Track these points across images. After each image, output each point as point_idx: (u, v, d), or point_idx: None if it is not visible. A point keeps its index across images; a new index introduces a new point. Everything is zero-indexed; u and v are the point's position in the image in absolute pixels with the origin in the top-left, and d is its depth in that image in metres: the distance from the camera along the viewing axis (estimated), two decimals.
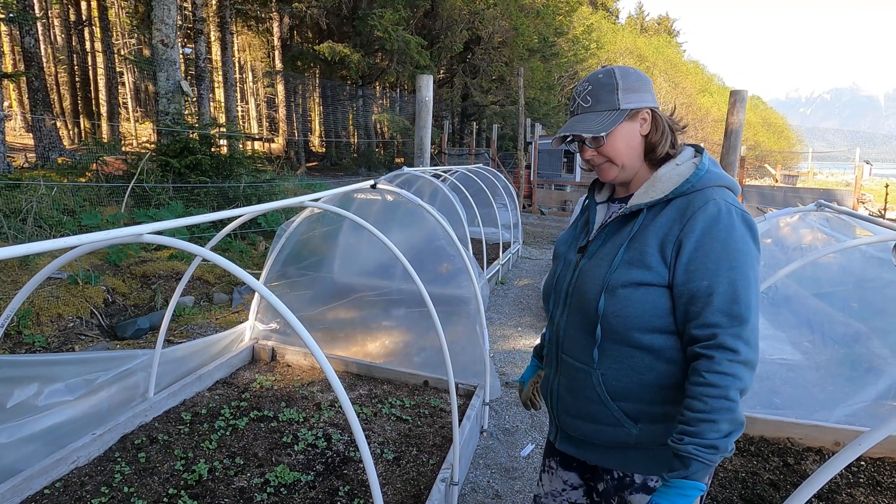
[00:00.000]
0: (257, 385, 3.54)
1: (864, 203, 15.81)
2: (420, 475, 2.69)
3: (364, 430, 3.06)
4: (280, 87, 25.35)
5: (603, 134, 1.34)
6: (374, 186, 3.47)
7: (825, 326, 4.37)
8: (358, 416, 3.20)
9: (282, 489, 2.50)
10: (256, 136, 28.25)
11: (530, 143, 18.15)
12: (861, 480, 2.80)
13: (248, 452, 2.78)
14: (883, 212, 7.97)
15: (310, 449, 2.84)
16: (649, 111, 1.37)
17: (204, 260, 1.86)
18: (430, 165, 8.52)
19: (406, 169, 5.75)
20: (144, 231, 1.73)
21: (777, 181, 24.43)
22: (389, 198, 3.68)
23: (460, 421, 3.06)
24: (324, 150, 28.24)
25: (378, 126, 28.30)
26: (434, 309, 2.90)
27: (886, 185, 9.59)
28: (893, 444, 3.02)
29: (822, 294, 4.26)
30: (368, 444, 2.93)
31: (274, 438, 2.92)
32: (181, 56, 11.28)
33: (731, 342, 1.19)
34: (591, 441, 1.42)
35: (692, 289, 1.24)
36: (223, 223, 5.00)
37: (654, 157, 1.39)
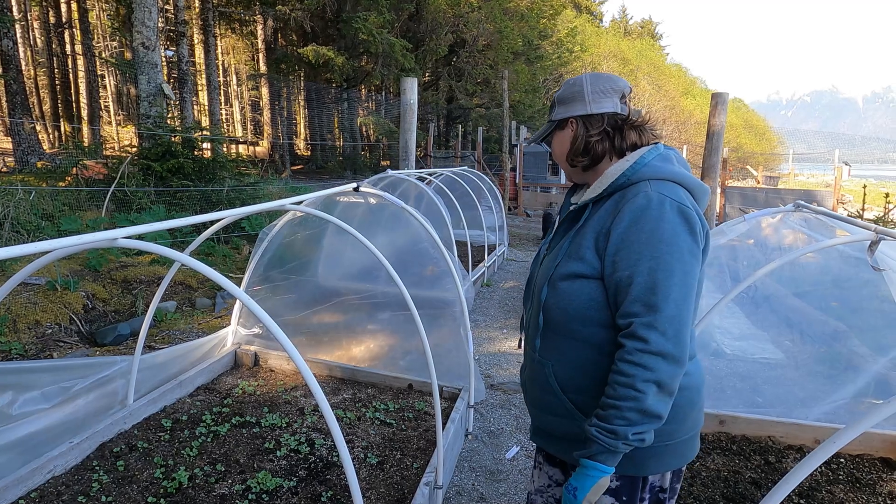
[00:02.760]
0: (240, 390, 3.51)
1: (843, 204, 16.06)
2: (404, 479, 2.67)
3: (348, 434, 3.04)
4: (264, 90, 25.19)
5: (542, 143, 1.56)
6: (357, 189, 3.45)
7: (804, 325, 4.42)
8: (341, 421, 3.18)
9: (263, 496, 2.47)
10: (241, 140, 28.05)
11: (515, 145, 18.20)
12: (840, 477, 2.84)
13: (230, 459, 2.75)
14: (861, 212, 8.12)
15: (292, 455, 2.82)
16: (575, 119, 1.45)
17: (184, 265, 1.84)
18: (416, 168, 8.51)
19: (390, 172, 5.73)
20: (119, 235, 1.70)
21: (759, 182, 24.74)
22: (373, 201, 3.67)
23: (444, 424, 3.05)
24: (309, 153, 28.10)
25: (363, 129, 28.24)
26: (417, 312, 2.89)
27: (864, 186, 9.76)
28: (872, 441, 3.06)
29: (801, 293, 4.31)
30: (352, 448, 2.91)
31: (256, 444, 2.89)
32: (163, 59, 11.17)
33: (642, 331, 1.21)
34: (551, 433, 1.47)
35: (617, 279, 1.27)
36: (205, 227, 4.94)
37: (585, 159, 1.46)
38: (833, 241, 2.28)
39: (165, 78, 18.53)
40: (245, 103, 34.15)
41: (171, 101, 10.49)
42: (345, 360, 4.08)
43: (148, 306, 5.23)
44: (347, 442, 2.95)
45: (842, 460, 2.99)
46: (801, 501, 2.61)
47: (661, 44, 74.82)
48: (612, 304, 1.30)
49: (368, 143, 28.33)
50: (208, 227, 2.79)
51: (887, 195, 7.99)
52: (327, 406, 1.75)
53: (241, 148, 26.69)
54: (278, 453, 2.81)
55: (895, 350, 3.25)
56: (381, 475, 2.70)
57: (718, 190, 14.13)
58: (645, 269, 1.23)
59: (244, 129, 33.12)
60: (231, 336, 4.00)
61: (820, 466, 2.93)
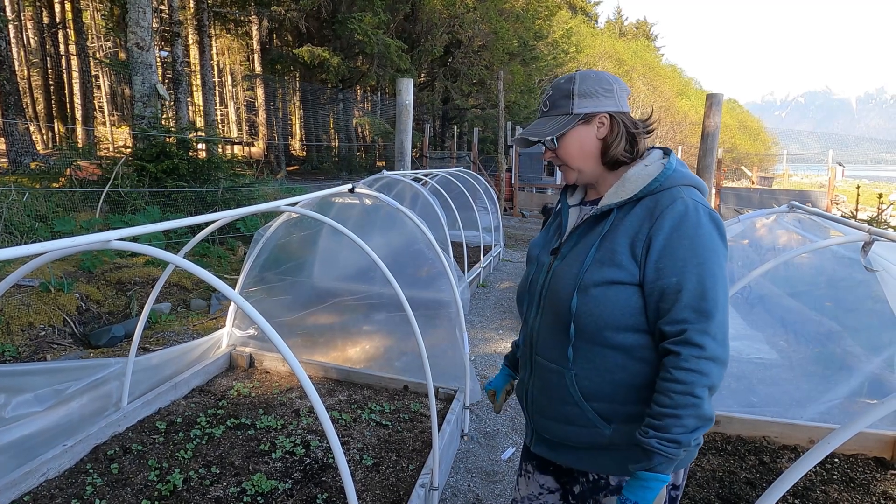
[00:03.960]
0: (235, 392, 3.49)
1: (837, 204, 16.14)
2: (400, 481, 2.67)
3: (343, 436, 3.03)
4: (260, 91, 25.13)
5: (549, 138, 1.38)
6: (352, 190, 3.44)
7: (799, 325, 4.44)
8: (337, 423, 3.17)
9: (259, 498, 2.46)
10: (236, 140, 27.98)
11: (511, 146, 18.22)
12: (835, 477, 2.85)
13: (225, 461, 2.73)
14: (855, 213, 8.17)
15: (288, 456, 2.81)
16: (607, 115, 1.39)
17: (178, 266, 1.83)
18: (412, 169, 8.51)
19: (386, 173, 5.73)
20: (112, 237, 1.69)
21: (753, 183, 24.83)
22: (368, 201, 3.66)
23: (440, 425, 3.04)
24: (304, 154, 28.06)
25: (359, 130, 28.21)
26: (413, 313, 2.89)
27: (858, 187, 9.81)
28: (866, 441, 3.07)
29: (795, 293, 4.33)
30: (347, 450, 2.90)
31: (251, 446, 2.88)
32: (157, 59, 11.14)
33: (697, 338, 1.21)
34: (566, 443, 1.42)
35: (662, 285, 1.25)
36: (199, 228, 4.93)
37: (607, 160, 1.41)
38: (827, 242, 2.29)
39: (160, 78, 18.48)
40: (240, 104, 34.06)
41: (166, 102, 10.45)
42: (340, 361, 4.06)
43: (142, 308, 5.21)
44: (343, 444, 2.95)
45: (836, 460, 3.00)
46: (796, 501, 2.62)
47: (656, 45, 75.03)
48: (651, 310, 1.28)
49: (364, 144, 28.30)
50: (203, 229, 2.78)
51: (881, 196, 8.03)
52: (322, 408, 1.74)
53: (237, 149, 26.62)
54: (273, 455, 2.80)
55: (888, 350, 3.27)
56: (376, 477, 2.69)
57: (713, 190, 14.17)
58: (693, 276, 1.23)
59: (239, 129, 33.03)
60: (226, 338, 3.99)
61: (814, 466, 2.94)
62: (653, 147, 1.45)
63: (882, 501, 2.64)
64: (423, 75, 25.54)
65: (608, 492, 1.39)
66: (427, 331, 3.72)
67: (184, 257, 2.02)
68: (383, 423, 3.20)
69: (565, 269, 1.37)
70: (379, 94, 27.65)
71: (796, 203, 2.89)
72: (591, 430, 1.36)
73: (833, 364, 3.80)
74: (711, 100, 9.93)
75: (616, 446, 1.35)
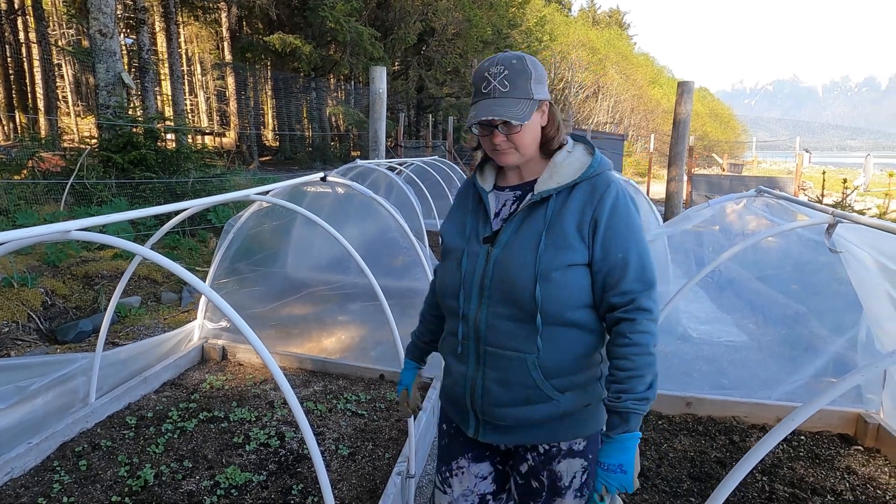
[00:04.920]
0: (207, 385, 3.44)
1: (804, 190, 16.51)
2: (376, 469, 2.66)
3: (319, 426, 3.02)
4: (230, 80, 24.64)
5: (526, 122, 1.37)
6: (324, 179, 3.40)
7: (767, 308, 4.54)
8: (312, 413, 3.15)
9: (232, 491, 2.44)
10: (206, 131, 27.43)
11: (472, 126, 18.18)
12: (801, 454, 2.93)
13: (198, 455, 2.69)
14: (821, 198, 8.37)
15: (262, 448, 2.78)
16: (548, 103, 1.44)
17: (146, 259, 1.78)
18: (386, 158, 8.44)
19: (359, 161, 5.67)
20: (72, 227, 1.64)
21: (724, 170, 25.26)
22: (340, 190, 3.62)
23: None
24: (277, 144, 27.65)
25: (333, 119, 27.88)
26: (388, 302, 2.88)
27: (823, 172, 10.06)
28: (830, 419, 3.16)
29: (764, 277, 4.42)
30: (323, 440, 2.88)
31: (225, 439, 2.84)
32: (122, 47, 10.82)
33: (646, 304, 1.35)
34: (522, 424, 1.44)
35: (610, 262, 1.36)
36: (168, 218, 4.82)
37: (549, 148, 1.46)
38: (792, 225, 2.33)
39: (126, 67, 17.98)
40: (210, 93, 33.37)
41: (132, 91, 10.18)
42: (315, 352, 4.03)
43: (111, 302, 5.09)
44: (318, 434, 2.93)
45: (802, 437, 3.08)
46: (764, 478, 2.69)
47: (629, 33, 75.57)
48: (598, 286, 1.38)
49: (338, 134, 28.01)
50: (171, 219, 2.71)
51: (845, 181, 8.25)
52: (294, 398, 1.72)
53: (208, 139, 26.12)
54: (247, 447, 2.77)
55: (852, 331, 3.35)
56: (352, 466, 2.68)
57: (685, 177, 14.37)
58: (634, 252, 1.35)
59: (210, 119, 32.39)
60: (198, 330, 3.92)
61: (782, 444, 3.02)
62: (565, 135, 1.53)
63: (845, 476, 2.73)
64: (396, 64, 25.31)
65: (560, 457, 1.44)
66: (402, 320, 3.70)
67: (153, 249, 1.97)
68: (359, 412, 3.18)
69: (514, 258, 1.38)
70: (352, 82, 27.34)
71: (764, 188, 2.95)
72: (549, 404, 1.40)
73: (800, 345, 3.90)
74: (683, 87, 10.05)
75: (569, 414, 1.42)
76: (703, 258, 3.80)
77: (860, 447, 2.99)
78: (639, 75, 56.69)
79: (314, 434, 2.89)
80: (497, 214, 1.47)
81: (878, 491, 2.61)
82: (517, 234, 1.40)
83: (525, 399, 1.41)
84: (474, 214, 1.50)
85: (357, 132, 25.20)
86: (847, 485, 2.65)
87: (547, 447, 1.45)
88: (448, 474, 1.60)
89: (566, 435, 1.43)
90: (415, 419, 1.79)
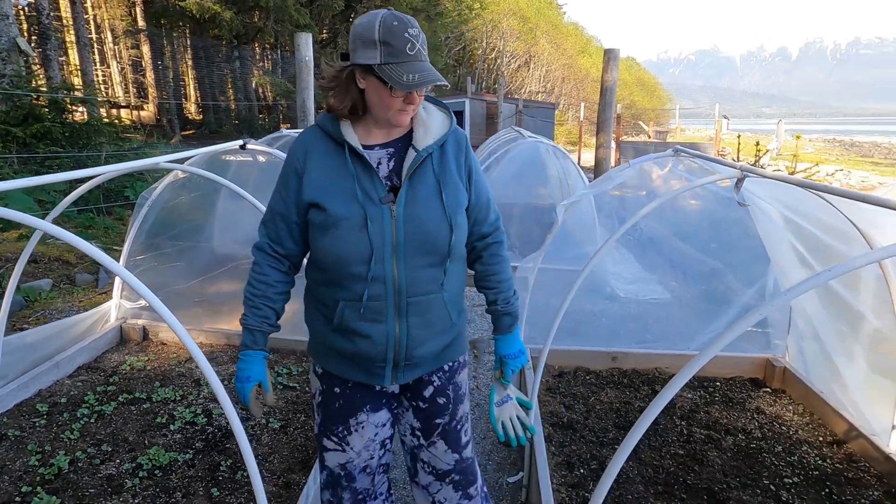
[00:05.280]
0: (127, 367, 3.28)
1: (724, 155, 17.34)
2: (309, 440, 2.63)
3: None
4: (146, 49, 23.17)
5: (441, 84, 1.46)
6: (243, 147, 3.25)
7: (687, 266, 4.76)
8: None
9: (156, 471, 2.34)
10: (122, 103, 25.72)
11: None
12: (716, 398, 3.11)
13: (118, 438, 2.57)
14: (736, 161, 8.83)
15: (188, 427, 2.69)
16: None
17: (54, 238, 1.63)
18: None
19: (285, 131, 5.48)
20: None
21: (650, 137, 26.14)
22: (262, 159, 3.48)
23: None
24: (201, 117, 26.34)
25: (260, 90, 26.76)
26: None
27: (738, 136, 10.58)
28: (743, 365, 3.38)
29: (683, 235, 4.62)
30: (252, 414, 2.81)
31: (147, 420, 2.72)
32: (15, 9, 9.89)
33: (502, 227, 1.72)
34: (436, 353, 1.63)
35: (482, 202, 1.63)
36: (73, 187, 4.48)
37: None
38: (704, 180, 2.43)
39: (24, 33, 16.52)
40: (125, 63, 31.17)
41: (32, 59, 9.36)
42: None
43: (19, 287, 4.73)
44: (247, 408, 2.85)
45: (717, 384, 3.27)
46: (683, 423, 2.84)
47: (559, 2, 76.09)
48: (472, 221, 1.63)
49: (266, 105, 26.95)
50: (75, 189, 2.52)
51: (758, 143, 8.72)
52: (212, 372, 1.65)
53: (124, 112, 24.49)
54: (172, 427, 2.67)
55: (761, 281, 3.57)
56: (284, 438, 2.64)
57: (613, 144, 14.77)
58: (486, 190, 1.65)
59: (126, 92, 30.34)
60: (114, 311, 3.72)
61: (700, 391, 3.20)
62: None
63: (755, 416, 2.92)
64: (324, 31, 24.47)
65: (459, 370, 1.72)
66: None
67: (52, 223, 1.81)
68: (291, 385, 3.13)
69: (425, 212, 1.48)
70: (279, 51, 26.25)
71: (680, 147, 3.05)
72: (453, 328, 1.64)
73: (717, 300, 4.12)
74: (609, 55, 10.22)
75: (461, 332, 1.69)
76: (626, 217, 3.91)
77: (768, 389, 3.21)
78: (569, 45, 57.39)
79: (243, 409, 2.82)
80: (410, 172, 1.50)
81: (783, 427, 2.82)
82: (415, 190, 1.49)
83: (440, 331, 1.60)
84: (357, 176, 1.47)
85: (286, 103, 24.33)
86: (756, 423, 2.85)
87: (451, 364, 1.69)
88: (346, 433, 1.64)
89: (461, 350, 1.71)
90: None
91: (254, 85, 24.47)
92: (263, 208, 2.82)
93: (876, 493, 2.30)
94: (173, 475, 2.33)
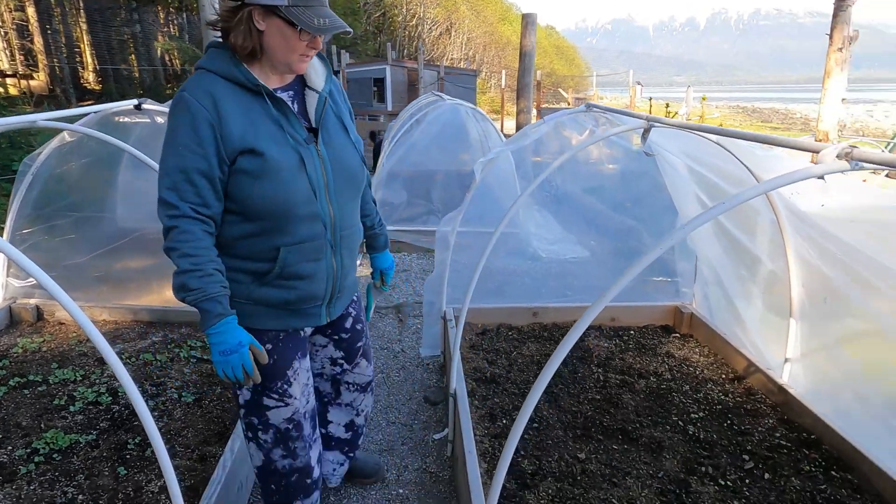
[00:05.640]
0: (20, 349, 3.02)
1: None
2: (225, 412, 2.53)
3: (159, 377, 2.78)
4: (31, 11, 21.05)
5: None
6: (138, 107, 3.01)
7: (603, 224, 4.92)
8: (151, 365, 2.89)
9: (55, 455, 2.18)
10: (8, 72, 23.35)
11: (338, 71, 17.46)
12: (630, 346, 3.25)
13: (8, 424, 2.37)
14: None
15: (91, 408, 2.51)
16: None
17: None
18: None
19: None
20: None
21: (570, 104, 26.73)
22: (160, 120, 3.23)
23: None
24: (101, 86, 24.37)
25: (167, 57, 25.05)
26: None
27: (650, 99, 10.99)
28: (654, 313, 3.55)
29: (598, 193, 4.77)
30: (164, 390, 2.67)
31: (43, 404, 2.52)
32: None
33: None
34: (353, 282, 1.81)
35: (357, 137, 1.69)
36: None
37: None
38: (614, 130, 2.48)
39: None
40: (8, 27, 28.22)
41: None
42: (159, 304, 3.70)
43: None
44: (159, 384, 2.70)
45: (632, 332, 3.42)
46: (600, 370, 2.95)
47: None
48: None
49: (174, 73, 25.30)
50: None
51: (668, 105, 9.10)
52: (107, 347, 1.51)
53: (10, 81, 22.27)
54: (72, 408, 2.48)
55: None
56: (199, 412, 2.52)
57: (534, 111, 14.97)
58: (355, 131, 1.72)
59: (12, 59, 27.54)
60: (1, 290, 3.40)
61: (615, 340, 3.33)
62: None
63: (665, 359, 3.08)
64: None
65: (358, 297, 1.94)
66: None
67: None
68: (205, 358, 2.99)
69: (343, 150, 1.60)
70: (184, 14, 24.61)
71: (592, 103, 3.09)
72: (357, 257, 1.79)
73: (630, 254, 4.29)
74: (527, 19, 10.28)
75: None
76: (541, 173, 3.98)
77: (677, 334, 3.39)
78: (489, 12, 57.27)
79: (154, 385, 2.67)
80: (319, 113, 1.59)
81: (691, 368, 2.99)
82: (327, 130, 1.58)
83: (354, 260, 1.75)
84: (278, 119, 1.48)
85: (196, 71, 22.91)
86: (666, 366, 3.00)
87: (356, 294, 1.91)
88: (286, 385, 1.66)
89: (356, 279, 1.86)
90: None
91: (159, 52, 22.87)
92: None
93: (771, 420, 2.49)
94: (75, 458, 2.18)
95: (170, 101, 4.22)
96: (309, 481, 1.82)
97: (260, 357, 1.50)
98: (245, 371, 1.44)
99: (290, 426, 1.70)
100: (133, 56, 24.40)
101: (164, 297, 3.94)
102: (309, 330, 1.77)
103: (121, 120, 3.25)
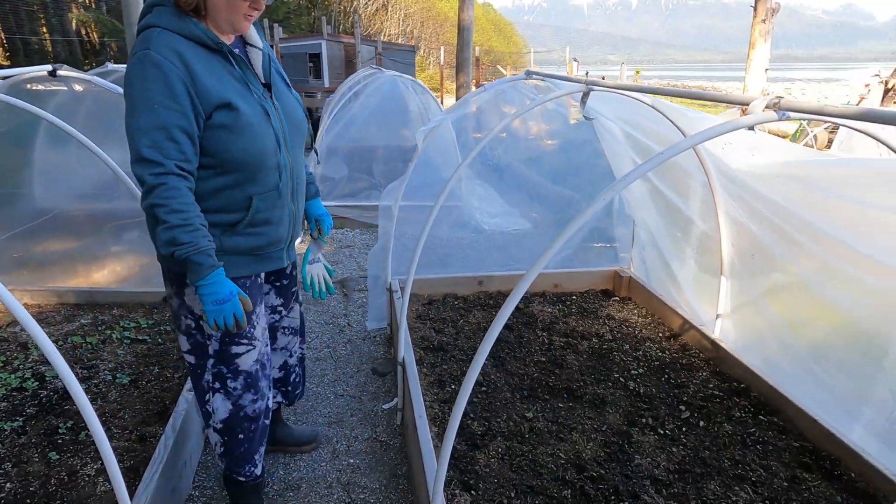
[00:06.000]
0: None
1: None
2: (164, 391, 2.43)
3: (90, 359, 2.64)
4: None
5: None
6: (53, 73, 2.79)
7: (543, 196, 5.01)
8: (81, 347, 2.74)
9: None
10: None
11: (271, 45, 16.80)
12: (573, 310, 3.34)
13: None
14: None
15: (15, 394, 2.36)
16: None
17: None
18: None
19: (112, 66, 4.86)
20: None
21: None
22: (79, 88, 3.02)
23: None
24: (10, 62, 22.52)
25: (83, 30, 23.39)
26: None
27: (587, 74, 11.20)
28: (595, 278, 3.65)
29: (538, 165, 4.84)
30: (97, 372, 2.54)
31: None
32: None
33: None
34: (300, 228, 1.88)
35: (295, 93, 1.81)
36: None
37: None
38: (553, 94, 2.50)
39: None
40: None
41: None
42: (84, 286, 3.51)
43: None
44: (91, 367, 2.57)
45: (574, 297, 3.51)
46: (544, 334, 3.02)
47: None
48: None
49: (92, 47, 23.69)
50: None
51: (603, 77, 9.30)
52: (35, 326, 1.41)
53: None
54: None
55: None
56: (135, 393, 2.42)
57: (473, 87, 14.95)
58: None
59: None
60: None
61: (558, 305, 3.41)
62: None
63: (606, 322, 3.19)
64: None
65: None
66: None
67: None
68: (140, 338, 2.85)
69: (290, 104, 1.70)
70: None
71: (532, 70, 3.11)
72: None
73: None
74: None
75: None
76: (484, 149, 3.99)
77: (617, 298, 3.51)
78: None
79: (85, 368, 2.54)
80: (267, 70, 1.68)
81: (630, 329, 3.10)
82: (276, 85, 1.68)
83: (303, 204, 1.87)
84: (239, 75, 1.56)
85: (116, 45, 21.55)
86: (608, 328, 3.10)
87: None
88: (252, 328, 1.74)
89: None
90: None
91: (73, 24, 21.34)
92: (91, 143, 2.49)
93: (704, 373, 2.62)
94: None
95: (92, 72, 3.92)
96: (267, 422, 1.90)
97: (246, 305, 1.56)
98: (235, 318, 1.51)
99: (258, 368, 1.79)
100: (44, 29, 22.66)
101: (91, 279, 3.75)
102: (262, 277, 1.84)
103: (34, 88, 3.01)
